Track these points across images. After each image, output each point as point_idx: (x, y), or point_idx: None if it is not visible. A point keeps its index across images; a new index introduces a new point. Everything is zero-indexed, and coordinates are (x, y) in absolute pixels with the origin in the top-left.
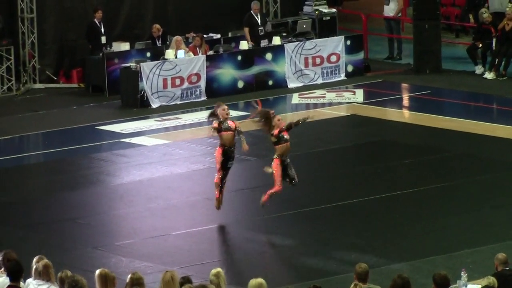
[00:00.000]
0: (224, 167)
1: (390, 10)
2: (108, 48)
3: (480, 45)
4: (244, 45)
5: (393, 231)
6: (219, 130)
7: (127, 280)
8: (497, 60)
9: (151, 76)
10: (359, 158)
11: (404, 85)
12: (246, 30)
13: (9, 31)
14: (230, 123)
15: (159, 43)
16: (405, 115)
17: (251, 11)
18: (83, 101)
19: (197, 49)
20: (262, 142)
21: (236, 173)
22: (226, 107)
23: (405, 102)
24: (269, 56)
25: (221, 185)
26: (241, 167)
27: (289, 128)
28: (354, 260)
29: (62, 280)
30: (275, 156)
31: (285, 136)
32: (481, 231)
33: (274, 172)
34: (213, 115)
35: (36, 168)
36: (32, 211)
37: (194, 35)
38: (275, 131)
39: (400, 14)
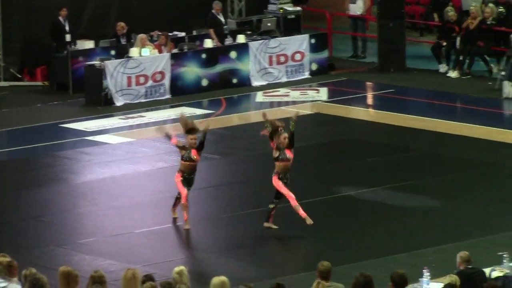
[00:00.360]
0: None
1: (357, 8)
2: (73, 46)
3: (444, 44)
4: (208, 43)
5: (356, 229)
6: (181, 156)
7: (88, 278)
8: (461, 59)
9: (116, 74)
10: (323, 157)
11: (369, 83)
12: (211, 31)
13: None
14: (194, 154)
15: (123, 41)
16: (369, 114)
17: (213, 11)
18: (47, 99)
19: (162, 47)
20: (225, 141)
21: (200, 171)
22: (194, 136)
23: (370, 100)
24: (233, 54)
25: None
26: (205, 165)
27: (291, 139)
28: (316, 258)
29: (26, 278)
30: (274, 172)
31: (287, 155)
32: (444, 229)
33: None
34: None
35: None
36: None
37: (159, 33)
38: (273, 144)
39: (365, 13)
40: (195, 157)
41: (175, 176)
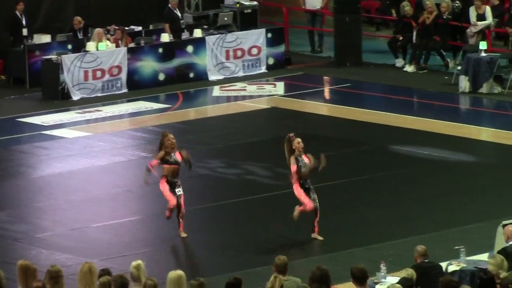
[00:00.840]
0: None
1: (317, 2)
2: (30, 40)
3: (401, 38)
4: (165, 37)
5: (312, 223)
6: (165, 161)
7: (46, 272)
8: (417, 53)
9: (72, 68)
10: (279, 151)
11: (325, 78)
12: (167, 26)
13: None
14: (177, 156)
15: (80, 36)
16: (326, 108)
17: (170, 6)
18: (4, 93)
19: (119, 41)
20: (182, 135)
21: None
22: (172, 135)
23: (326, 95)
24: (190, 48)
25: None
26: None
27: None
28: (273, 252)
29: None
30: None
31: (305, 161)
32: (400, 224)
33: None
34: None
35: None
36: None
37: (116, 27)
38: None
39: (322, 7)
40: (179, 159)
41: (159, 183)
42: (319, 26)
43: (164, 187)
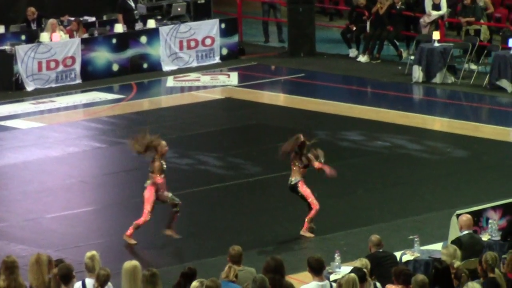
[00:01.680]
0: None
1: None
2: None
3: (354, 28)
4: (119, 28)
5: (266, 214)
6: (161, 170)
7: (1, 263)
8: (370, 43)
9: (26, 59)
10: (233, 141)
11: (279, 68)
12: (120, 16)
13: None
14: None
15: (34, 27)
16: (280, 98)
17: None
18: None
19: (74, 33)
20: (136, 126)
21: (112, 156)
22: (165, 142)
23: (280, 85)
24: (144, 39)
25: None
26: (116, 150)
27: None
28: (227, 242)
29: None
30: (298, 179)
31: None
32: (355, 213)
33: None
34: (146, 147)
35: None
36: None
37: (70, 18)
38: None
39: None
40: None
41: (146, 190)
42: (279, 17)
43: (150, 197)
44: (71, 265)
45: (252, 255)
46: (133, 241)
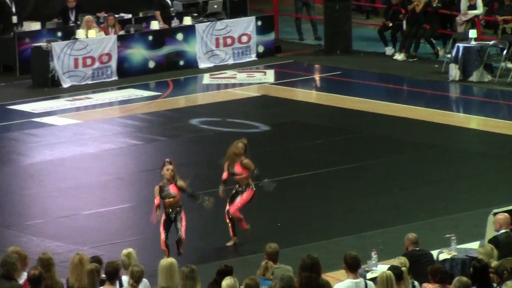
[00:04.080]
0: (167, 227)
1: None
2: (19, 28)
3: (391, 25)
4: (155, 25)
5: (303, 211)
6: (161, 196)
7: (37, 260)
8: (407, 42)
9: (62, 56)
10: (269, 139)
11: (315, 66)
12: (158, 13)
13: None
14: (172, 189)
15: (72, 17)
16: (315, 96)
17: None
18: None
19: (109, 29)
20: (172, 123)
21: (146, 153)
22: (171, 167)
23: (316, 83)
24: (180, 36)
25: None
26: (151, 147)
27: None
28: (264, 240)
29: None
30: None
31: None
32: (391, 212)
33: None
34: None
35: None
36: None
37: (106, 14)
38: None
39: None
40: (174, 192)
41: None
42: (313, 14)
43: (161, 219)
44: (119, 263)
45: (288, 253)
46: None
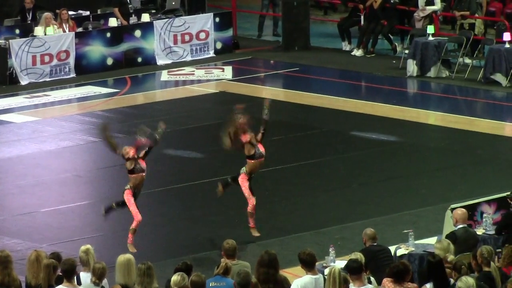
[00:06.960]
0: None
1: None
2: None
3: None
4: (113, 22)
5: (261, 208)
6: (130, 171)
7: None
8: (365, 37)
9: (20, 53)
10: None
11: (273, 62)
12: (116, 10)
13: None
14: (143, 164)
15: (29, 17)
16: (274, 92)
17: None
18: None
19: (63, 24)
20: (130, 120)
21: (105, 150)
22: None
23: (274, 79)
24: (138, 33)
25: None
26: None
27: (263, 133)
28: (222, 236)
29: None
30: (243, 171)
31: (261, 151)
32: (350, 207)
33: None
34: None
35: None
36: None
37: (64, 12)
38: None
39: None
40: (144, 166)
41: (124, 194)
42: (277, 12)
43: (130, 199)
44: (75, 260)
45: (245, 249)
46: (134, 249)
